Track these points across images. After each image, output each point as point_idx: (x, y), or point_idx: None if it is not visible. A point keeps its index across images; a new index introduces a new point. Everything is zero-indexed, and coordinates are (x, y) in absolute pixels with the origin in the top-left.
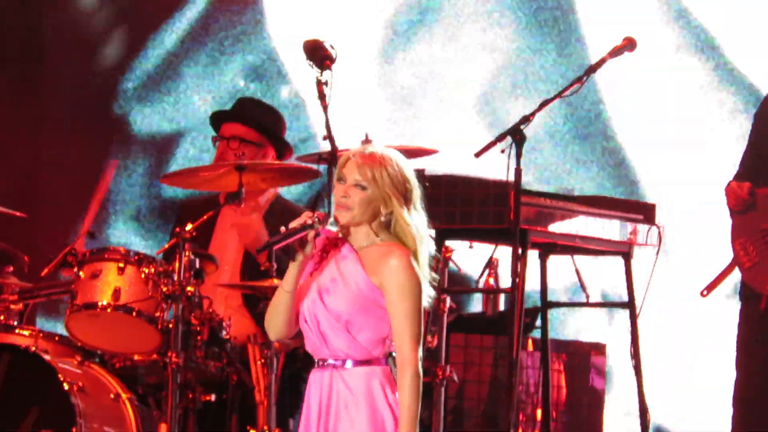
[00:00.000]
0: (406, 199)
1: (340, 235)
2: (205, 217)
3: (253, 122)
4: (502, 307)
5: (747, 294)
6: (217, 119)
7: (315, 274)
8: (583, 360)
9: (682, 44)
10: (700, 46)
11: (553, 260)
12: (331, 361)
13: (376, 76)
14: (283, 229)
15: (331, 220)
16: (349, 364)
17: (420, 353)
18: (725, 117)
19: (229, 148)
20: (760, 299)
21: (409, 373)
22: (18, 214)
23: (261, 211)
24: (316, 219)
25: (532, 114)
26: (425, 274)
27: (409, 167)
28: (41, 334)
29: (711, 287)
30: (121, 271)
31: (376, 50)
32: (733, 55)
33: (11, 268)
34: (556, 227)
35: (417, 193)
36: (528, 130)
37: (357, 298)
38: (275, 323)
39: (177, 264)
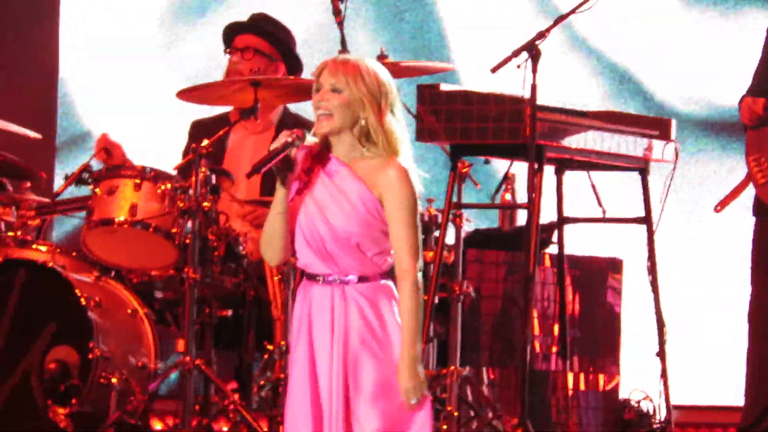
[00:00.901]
0: (383, 103)
1: (318, 145)
2: (221, 132)
3: (267, 34)
4: (517, 223)
5: (760, 210)
6: (231, 31)
7: (305, 191)
8: (599, 276)
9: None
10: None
11: (569, 176)
12: (336, 277)
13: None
14: (265, 152)
15: (310, 134)
16: (356, 278)
17: (419, 264)
18: None
19: (243, 58)
20: None
21: (409, 282)
22: (32, 135)
23: (272, 127)
24: (296, 136)
25: (548, 29)
26: (415, 179)
27: (385, 72)
28: (58, 250)
29: (724, 203)
30: (137, 187)
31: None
32: None
33: (29, 184)
34: (572, 143)
35: (394, 96)
36: None
37: (365, 216)
38: (273, 249)
39: (193, 179)
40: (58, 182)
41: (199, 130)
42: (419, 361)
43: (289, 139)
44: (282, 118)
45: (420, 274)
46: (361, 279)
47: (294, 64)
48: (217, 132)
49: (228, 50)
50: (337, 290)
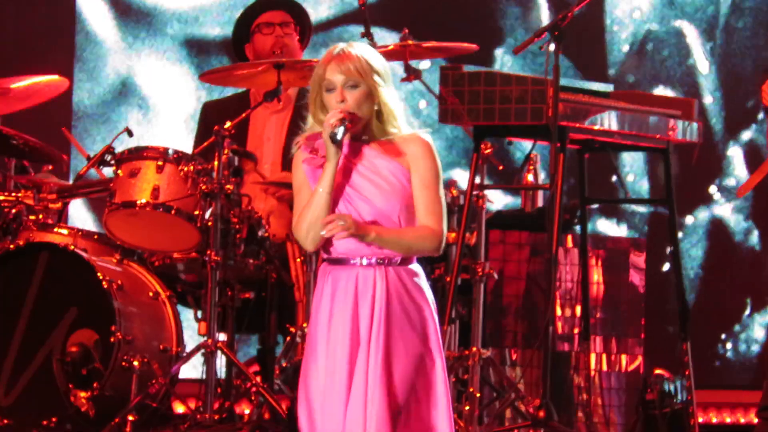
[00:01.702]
0: (386, 80)
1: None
2: (243, 114)
3: (295, 9)
4: (540, 203)
5: None
6: (261, 8)
7: (338, 179)
8: (622, 256)
9: None
10: None
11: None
12: (375, 259)
13: None
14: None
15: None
16: (398, 260)
17: (444, 230)
18: None
19: (285, 33)
20: None
21: (429, 230)
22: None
23: (291, 105)
24: (347, 113)
25: (571, 11)
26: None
27: (376, 51)
28: (80, 233)
29: (746, 187)
30: (159, 169)
31: None
32: None
33: (50, 167)
34: (595, 123)
35: (390, 72)
36: None
37: (401, 189)
38: (315, 232)
39: (216, 162)
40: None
41: (211, 112)
42: (366, 235)
43: (342, 116)
44: (300, 95)
45: (444, 238)
46: (403, 260)
47: (306, 38)
48: (231, 112)
49: (256, 28)
50: (380, 272)
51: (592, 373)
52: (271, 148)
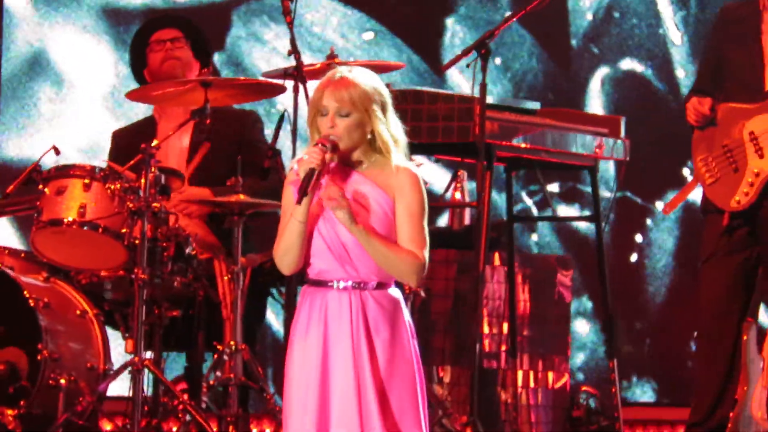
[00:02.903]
0: (384, 109)
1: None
2: (171, 133)
3: (184, 24)
4: (467, 221)
5: (709, 209)
6: (152, 26)
7: (321, 201)
8: (549, 273)
9: None
10: None
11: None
12: (353, 282)
13: None
14: (299, 172)
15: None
16: (374, 284)
17: (426, 259)
18: None
19: (175, 47)
20: (722, 215)
21: (414, 256)
22: None
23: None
24: (329, 148)
25: (497, 28)
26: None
27: (376, 77)
28: (6, 251)
29: (673, 204)
30: (86, 187)
31: None
32: None
33: None
34: (522, 141)
35: (389, 99)
36: None
37: (385, 220)
38: (291, 258)
39: (143, 180)
40: None
41: (122, 139)
42: (354, 222)
43: (324, 155)
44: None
45: (426, 266)
46: (379, 285)
47: (206, 59)
48: (141, 136)
49: (148, 49)
50: (355, 296)
51: (519, 390)
52: (174, 163)
